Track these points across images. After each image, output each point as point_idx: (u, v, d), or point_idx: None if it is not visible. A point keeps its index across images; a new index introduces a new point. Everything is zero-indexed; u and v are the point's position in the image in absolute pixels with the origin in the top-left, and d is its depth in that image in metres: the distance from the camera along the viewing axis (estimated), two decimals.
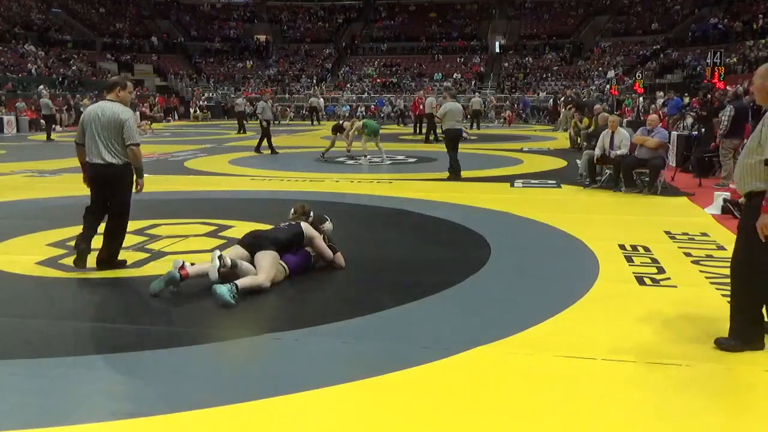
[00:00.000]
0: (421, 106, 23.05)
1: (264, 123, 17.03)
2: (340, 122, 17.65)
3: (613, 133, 10.38)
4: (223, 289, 4.68)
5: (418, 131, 23.85)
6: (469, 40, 50.02)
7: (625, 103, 30.18)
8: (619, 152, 10.16)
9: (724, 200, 8.28)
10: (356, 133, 15.22)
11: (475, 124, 27.81)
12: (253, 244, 5.25)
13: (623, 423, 3.09)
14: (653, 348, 3.95)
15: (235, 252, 5.28)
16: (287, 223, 5.61)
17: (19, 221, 7.97)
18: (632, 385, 3.48)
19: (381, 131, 15.39)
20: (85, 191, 5.88)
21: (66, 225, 7.57)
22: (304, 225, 5.57)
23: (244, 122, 26.59)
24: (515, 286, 5.31)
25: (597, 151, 10.44)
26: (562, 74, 44.02)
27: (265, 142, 17.12)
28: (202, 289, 5.07)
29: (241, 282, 4.86)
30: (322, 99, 38.65)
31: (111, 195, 5.69)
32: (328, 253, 5.60)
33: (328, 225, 5.86)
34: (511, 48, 48.39)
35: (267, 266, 5.07)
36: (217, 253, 5.02)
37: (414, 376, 3.58)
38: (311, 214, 5.81)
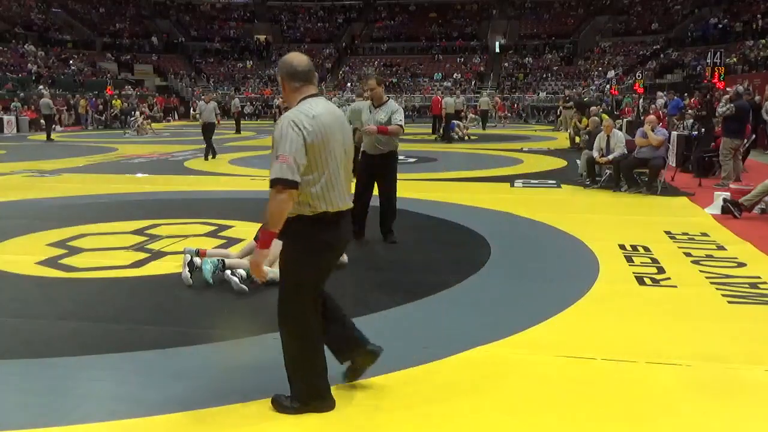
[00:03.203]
0: (439, 106, 23.07)
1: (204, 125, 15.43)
2: None
3: (608, 135, 10.45)
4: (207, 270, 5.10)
5: (437, 131, 23.43)
6: (469, 40, 49.98)
7: (625, 101, 30.16)
8: (613, 155, 10.21)
9: (724, 200, 8.28)
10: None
11: (482, 124, 27.97)
12: None
13: (623, 423, 3.09)
14: (653, 348, 3.95)
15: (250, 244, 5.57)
16: None
17: (19, 221, 7.96)
18: (632, 385, 3.47)
19: None
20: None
21: (66, 225, 7.58)
22: None
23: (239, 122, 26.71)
24: (515, 286, 5.30)
25: (594, 153, 10.52)
26: (562, 74, 44.00)
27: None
28: (202, 289, 5.08)
29: (228, 261, 5.22)
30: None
31: None
32: None
33: None
34: (511, 48, 48.36)
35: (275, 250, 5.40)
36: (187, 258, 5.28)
37: (414, 376, 3.58)
38: None
